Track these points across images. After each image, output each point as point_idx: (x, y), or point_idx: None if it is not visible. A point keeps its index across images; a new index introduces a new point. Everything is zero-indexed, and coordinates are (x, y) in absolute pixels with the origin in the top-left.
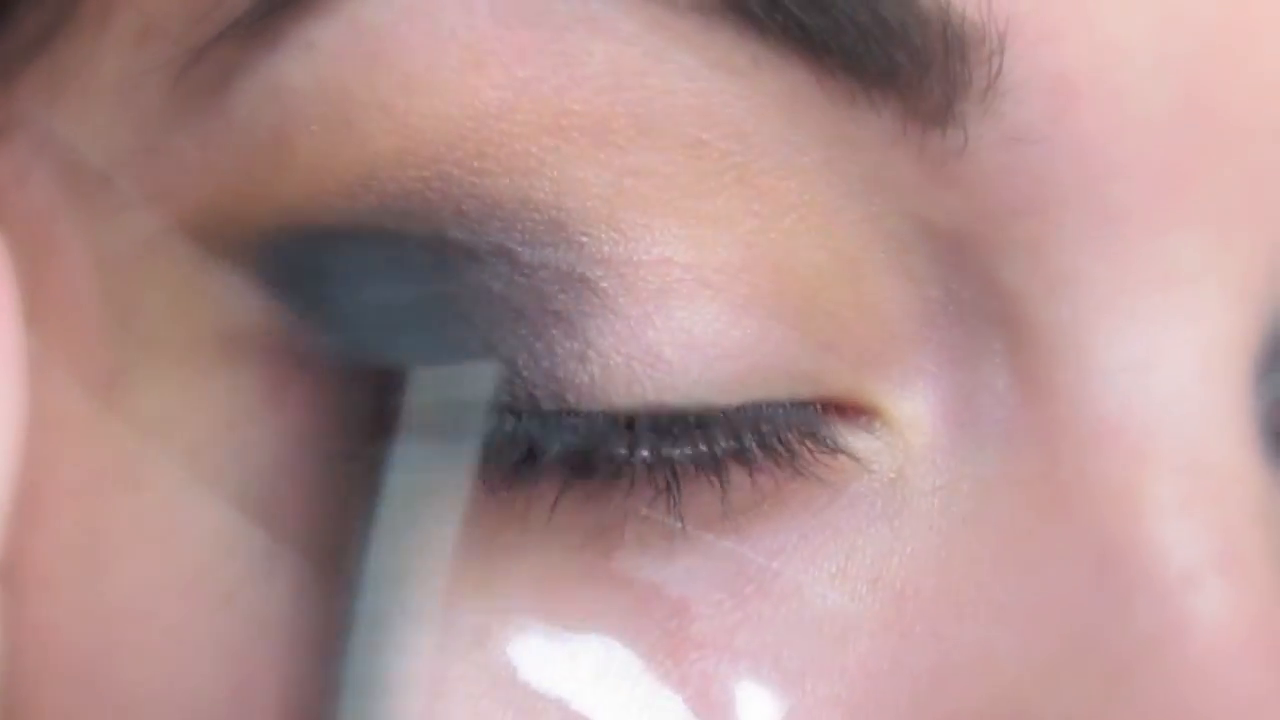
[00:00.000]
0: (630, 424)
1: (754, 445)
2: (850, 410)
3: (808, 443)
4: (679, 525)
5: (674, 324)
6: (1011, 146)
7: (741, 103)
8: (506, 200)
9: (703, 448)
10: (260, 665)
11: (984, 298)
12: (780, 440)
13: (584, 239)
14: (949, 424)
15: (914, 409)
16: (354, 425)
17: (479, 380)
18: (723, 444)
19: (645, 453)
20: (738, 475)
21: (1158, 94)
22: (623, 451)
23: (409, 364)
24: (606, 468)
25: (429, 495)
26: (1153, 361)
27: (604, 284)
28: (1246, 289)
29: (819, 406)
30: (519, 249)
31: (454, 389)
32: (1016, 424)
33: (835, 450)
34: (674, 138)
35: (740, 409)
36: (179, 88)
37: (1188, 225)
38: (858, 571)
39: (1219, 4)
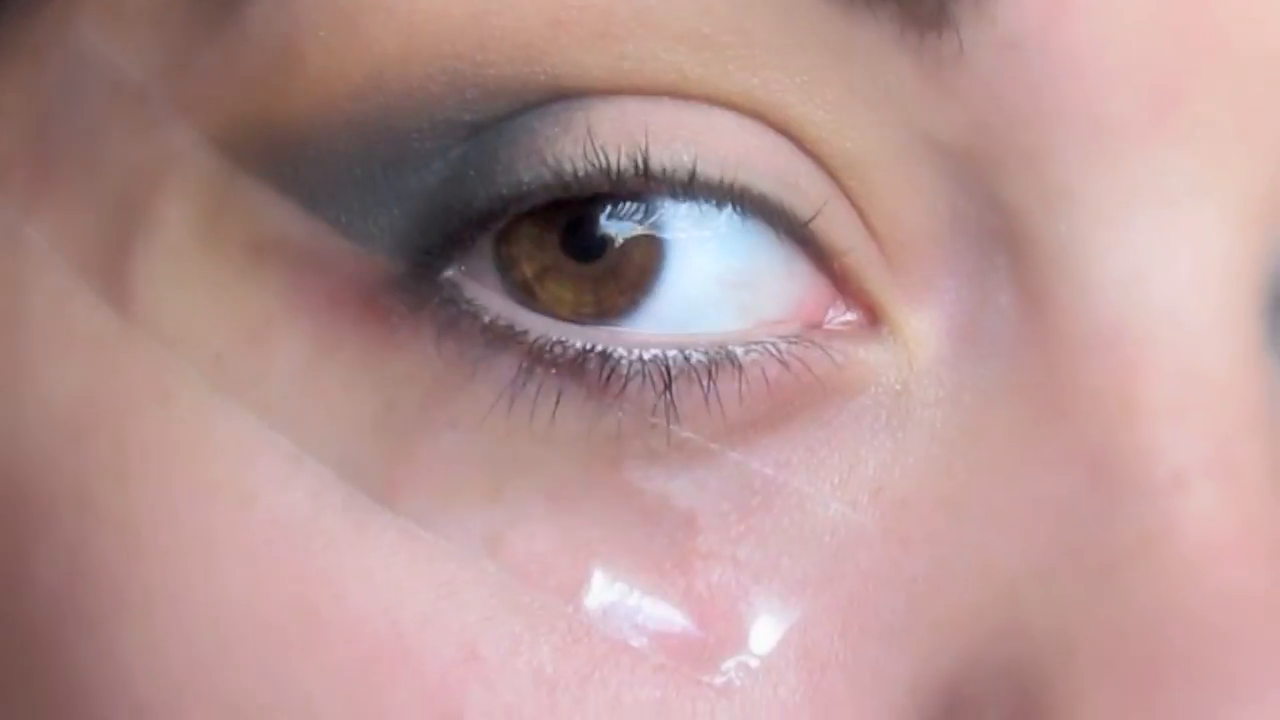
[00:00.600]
0: (620, 175)
1: (757, 350)
2: (860, 316)
3: (814, 349)
4: (686, 436)
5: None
6: (1005, 53)
7: (743, 3)
8: (509, 83)
9: (693, 354)
10: (275, 566)
11: (986, 213)
12: (784, 345)
13: (582, 107)
14: (953, 337)
15: (921, 322)
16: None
17: None
18: (713, 351)
19: (640, 353)
20: (743, 381)
21: (1148, 8)
22: (619, 352)
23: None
24: (601, 367)
25: None
26: (1147, 275)
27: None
28: (1243, 212)
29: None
30: (521, 116)
31: None
32: (1018, 337)
33: (843, 363)
34: (674, 29)
35: (725, 183)
36: (199, 3)
37: (1180, 144)
38: (860, 482)
39: None
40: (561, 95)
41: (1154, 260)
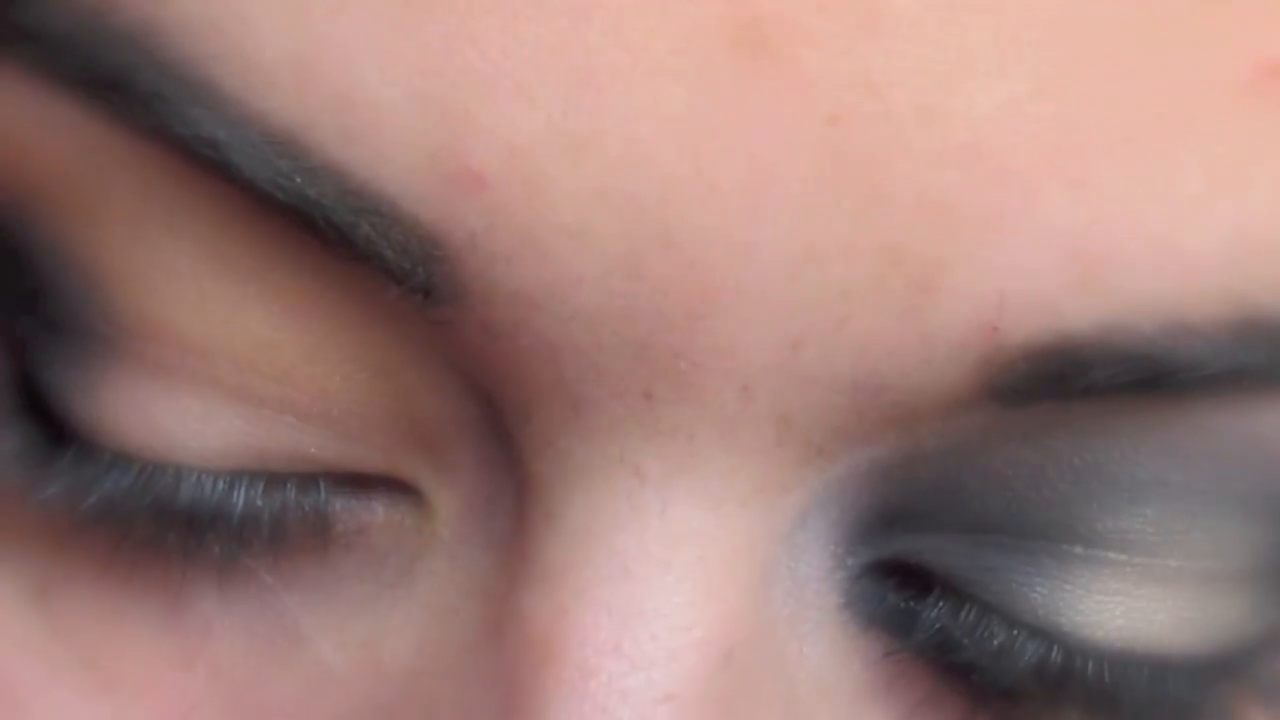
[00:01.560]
0: (134, 466)
1: (275, 511)
2: (382, 484)
3: (329, 514)
4: (236, 556)
5: (174, 400)
6: (487, 340)
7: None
8: (45, 261)
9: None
10: None
11: (497, 424)
12: (303, 507)
13: (110, 308)
14: (465, 520)
15: (446, 499)
16: None
17: None
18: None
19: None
20: (266, 535)
21: (609, 322)
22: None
23: None
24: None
25: None
26: (610, 530)
27: (117, 345)
28: (721, 499)
29: (333, 479)
30: (58, 299)
31: None
32: (512, 544)
33: (357, 528)
34: (196, 239)
35: (238, 473)
36: None
37: (651, 435)
38: (355, 635)
39: (671, 263)
40: (94, 283)
41: (617, 518)
